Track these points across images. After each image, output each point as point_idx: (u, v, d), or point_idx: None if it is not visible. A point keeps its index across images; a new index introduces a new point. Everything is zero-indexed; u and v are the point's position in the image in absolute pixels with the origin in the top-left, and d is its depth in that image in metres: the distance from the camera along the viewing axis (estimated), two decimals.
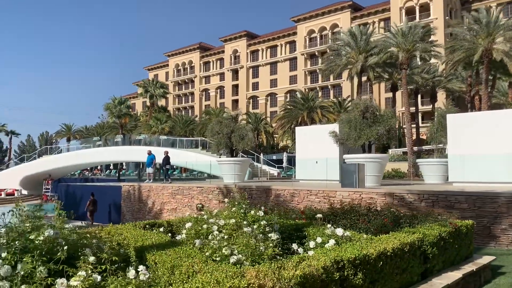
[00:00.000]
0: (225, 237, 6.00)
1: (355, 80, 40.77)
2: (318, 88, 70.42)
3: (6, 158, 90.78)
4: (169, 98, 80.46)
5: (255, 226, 5.62)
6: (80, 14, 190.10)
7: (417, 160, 23.15)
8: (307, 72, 74.14)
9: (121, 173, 49.27)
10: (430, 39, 38.85)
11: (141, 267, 3.84)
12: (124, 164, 54.87)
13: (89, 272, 3.48)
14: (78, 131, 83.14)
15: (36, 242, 3.99)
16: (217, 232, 5.91)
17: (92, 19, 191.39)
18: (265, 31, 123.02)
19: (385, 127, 16.63)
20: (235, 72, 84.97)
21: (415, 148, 36.07)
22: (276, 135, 58.41)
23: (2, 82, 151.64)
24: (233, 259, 4.27)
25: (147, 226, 7.01)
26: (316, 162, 20.86)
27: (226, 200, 7.64)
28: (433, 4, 59.40)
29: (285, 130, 45.79)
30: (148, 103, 52.19)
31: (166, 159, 23.71)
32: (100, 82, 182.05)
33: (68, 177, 48.44)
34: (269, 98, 79.38)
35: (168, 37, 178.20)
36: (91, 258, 3.67)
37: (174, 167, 52.25)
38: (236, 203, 8.02)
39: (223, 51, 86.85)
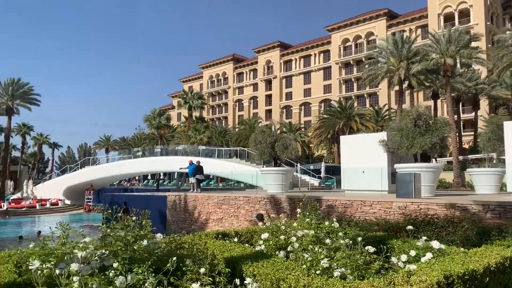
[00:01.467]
0: (303, 249, 5.78)
1: (395, 88, 39.97)
2: (353, 97, 69.49)
3: (48, 169, 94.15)
4: (204, 109, 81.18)
5: (343, 241, 5.36)
6: (115, 28, 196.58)
7: (468, 170, 22.25)
8: (341, 81, 73.41)
9: (159, 183, 50.03)
10: (473, 45, 37.67)
11: (248, 280, 3.68)
12: (161, 174, 55.75)
13: (206, 284, 3.34)
14: (115, 142, 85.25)
15: (138, 252, 3.91)
16: (297, 244, 5.69)
17: (127, 32, 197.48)
18: (298, 41, 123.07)
19: (438, 135, 16.05)
20: (269, 82, 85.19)
21: (460, 158, 34.83)
22: (311, 145, 57.87)
23: (44, 94, 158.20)
24: (337, 273, 4.04)
25: (219, 235, 6.88)
26: (363, 171, 20.40)
27: (297, 211, 7.42)
28: (473, 10, 57.72)
29: (322, 139, 45.24)
30: (186, 114, 52.93)
31: (198, 169, 23.79)
32: (136, 95, 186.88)
33: (108, 187, 49.55)
34: (302, 107, 79.02)
35: (202, 50, 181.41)
36: (202, 270, 3.53)
37: (211, 177, 52.66)
38: (307, 213, 7.79)
39: (256, 62, 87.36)
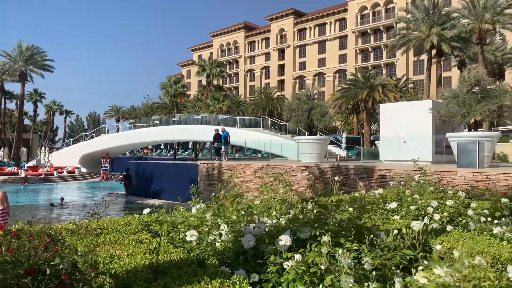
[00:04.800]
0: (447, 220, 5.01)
1: (422, 57, 38.54)
2: (369, 67, 67.75)
3: (57, 137, 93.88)
4: (222, 77, 79.36)
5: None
6: None
7: None
8: (358, 51, 71.52)
9: (176, 152, 49.44)
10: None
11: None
12: (174, 143, 55.11)
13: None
14: (125, 111, 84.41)
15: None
16: (438, 216, 4.88)
17: (134, 1, 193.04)
18: (313, 8, 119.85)
19: (496, 103, 15.08)
20: (281, 52, 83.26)
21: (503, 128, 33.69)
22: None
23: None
24: None
25: None
26: (404, 141, 19.57)
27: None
28: None
29: (342, 110, 44.17)
30: (198, 83, 51.57)
31: (217, 137, 22.95)
32: (143, 64, 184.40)
33: (122, 156, 49.03)
34: (316, 78, 77.37)
35: (212, 17, 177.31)
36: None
37: (215, 146, 51.92)
38: (412, 183, 6.99)
39: (268, 30, 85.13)
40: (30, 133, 61.47)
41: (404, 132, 19.09)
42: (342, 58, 73.63)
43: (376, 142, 26.27)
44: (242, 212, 3.14)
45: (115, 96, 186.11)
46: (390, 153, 19.66)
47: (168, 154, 58.30)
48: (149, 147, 62.29)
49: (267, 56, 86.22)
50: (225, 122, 36.74)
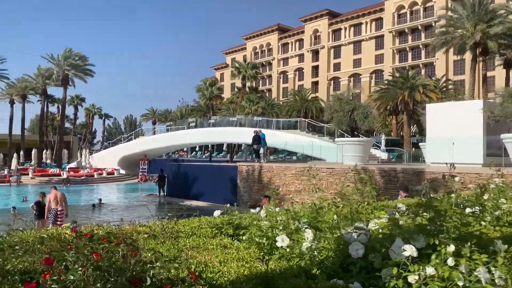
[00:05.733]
0: None
1: (466, 55, 37.07)
2: (407, 67, 65.97)
3: (95, 140, 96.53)
4: (257, 79, 79.33)
5: None
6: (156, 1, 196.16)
7: None
8: (395, 51, 69.89)
9: (211, 154, 49.64)
10: None
11: None
12: (209, 145, 55.39)
13: None
14: (160, 114, 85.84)
15: None
16: None
17: (168, 4, 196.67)
18: (347, 9, 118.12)
19: None
20: (315, 53, 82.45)
21: None
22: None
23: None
24: None
25: None
26: (453, 143, 18.71)
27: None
28: None
29: (381, 111, 43.09)
30: (236, 85, 51.77)
31: (256, 138, 22.65)
32: (177, 67, 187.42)
33: (158, 158, 49.69)
34: (352, 79, 76.13)
35: (245, 20, 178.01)
36: None
37: (255, 147, 51.75)
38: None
39: (302, 32, 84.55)
40: (71, 136, 63.44)
41: (452, 133, 18.27)
42: (379, 59, 72.13)
43: (420, 144, 25.36)
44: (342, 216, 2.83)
45: (150, 100, 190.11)
46: (438, 155, 18.84)
47: (203, 156, 58.71)
48: (184, 149, 62.93)
49: (301, 57, 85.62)
50: (260, 124, 36.51)
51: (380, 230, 3.02)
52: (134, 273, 1.94)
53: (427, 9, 66.83)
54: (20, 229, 3.13)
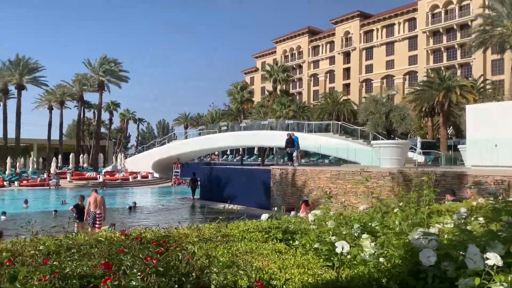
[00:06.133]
0: None
1: (507, 53, 35.68)
2: (442, 68, 64.16)
3: (129, 144, 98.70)
4: (288, 82, 79.09)
5: None
6: (183, 4, 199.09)
7: None
8: (429, 51, 68.10)
9: (242, 158, 49.83)
10: None
11: None
12: (240, 149, 55.58)
13: None
14: (192, 118, 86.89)
15: None
16: None
17: (198, 9, 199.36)
18: (379, 10, 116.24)
19: None
20: (347, 55, 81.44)
21: None
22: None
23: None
24: None
25: None
26: (496, 145, 17.96)
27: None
28: None
29: (416, 113, 41.97)
30: (265, 89, 51.88)
31: (290, 142, 22.34)
32: (207, 72, 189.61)
33: (191, 161, 50.22)
34: (384, 80, 74.70)
35: (275, 24, 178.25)
36: None
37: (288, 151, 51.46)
38: None
39: (333, 34, 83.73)
40: (106, 140, 65.10)
41: (494, 135, 17.53)
42: (412, 60, 70.48)
43: (459, 146, 24.53)
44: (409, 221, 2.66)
45: (181, 104, 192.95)
46: (480, 158, 18.11)
47: (234, 160, 58.98)
48: (216, 152, 63.42)
49: (332, 60, 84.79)
50: (291, 127, 36.29)
51: (446, 236, 2.83)
52: (198, 279, 1.84)
53: (462, 8, 64.84)
54: (74, 232, 3.12)
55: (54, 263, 2.41)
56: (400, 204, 3.10)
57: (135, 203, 25.35)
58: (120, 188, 37.72)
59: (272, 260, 2.57)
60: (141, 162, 45.21)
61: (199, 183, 28.53)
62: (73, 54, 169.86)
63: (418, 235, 2.51)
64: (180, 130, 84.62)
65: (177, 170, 42.72)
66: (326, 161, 44.65)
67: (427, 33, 68.05)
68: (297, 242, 3.21)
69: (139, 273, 2.14)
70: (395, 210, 3.01)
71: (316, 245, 2.92)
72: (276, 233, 3.66)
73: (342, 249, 2.68)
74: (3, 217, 19.06)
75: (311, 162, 45.15)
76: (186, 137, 50.74)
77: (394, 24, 73.57)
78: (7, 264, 2.57)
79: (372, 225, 3.48)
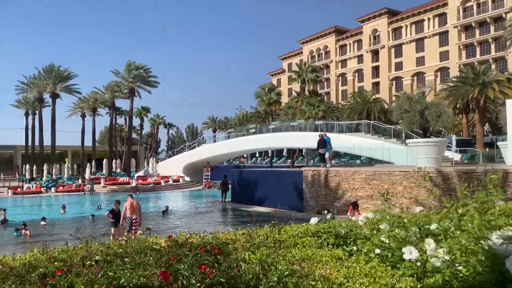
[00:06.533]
0: None
1: None
2: (476, 63, 62.13)
3: (160, 149, 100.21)
4: (318, 83, 78.47)
5: None
6: (210, 6, 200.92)
7: None
8: (461, 46, 66.09)
9: (272, 160, 49.64)
10: None
11: None
12: (269, 151, 55.34)
13: None
14: (220, 122, 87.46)
15: None
16: None
17: (221, 12, 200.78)
18: (407, 6, 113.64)
19: None
20: (375, 53, 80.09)
21: None
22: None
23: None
24: None
25: None
26: None
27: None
28: None
29: (450, 110, 40.70)
30: (297, 89, 51.60)
31: (321, 142, 21.88)
32: (234, 75, 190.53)
33: (220, 164, 50.39)
34: (415, 78, 73.00)
35: (301, 25, 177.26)
36: None
37: (320, 151, 50.78)
38: None
39: (361, 32, 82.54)
40: (138, 146, 66.28)
41: None
42: (444, 55, 68.59)
43: (498, 143, 23.56)
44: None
45: (208, 108, 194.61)
46: None
47: (263, 162, 58.84)
48: (244, 155, 63.48)
49: (360, 58, 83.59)
50: (321, 128, 35.85)
51: None
52: None
53: (496, 0, 62.64)
54: (124, 238, 3.02)
55: (109, 273, 2.31)
56: (472, 204, 2.86)
57: (167, 207, 25.53)
58: (152, 192, 38.21)
59: (334, 268, 2.39)
60: (172, 166, 45.72)
61: (229, 186, 28.53)
62: (102, 60, 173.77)
63: (498, 239, 2.28)
64: (209, 134, 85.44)
65: (207, 174, 42.94)
66: (358, 161, 43.90)
67: (459, 28, 66.08)
68: (354, 248, 3.01)
69: (198, 284, 2.01)
70: (471, 212, 2.77)
71: (377, 251, 2.71)
72: (328, 237, 3.47)
73: (410, 255, 2.47)
74: (42, 223, 19.56)
75: (341, 163, 44.46)
76: (214, 141, 51.08)
77: (423, 20, 71.86)
78: (59, 273, 2.49)
79: (431, 228, 3.26)
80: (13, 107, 58.36)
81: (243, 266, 2.36)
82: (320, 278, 2.23)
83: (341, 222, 4.09)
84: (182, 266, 2.23)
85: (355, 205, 16.33)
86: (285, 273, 2.27)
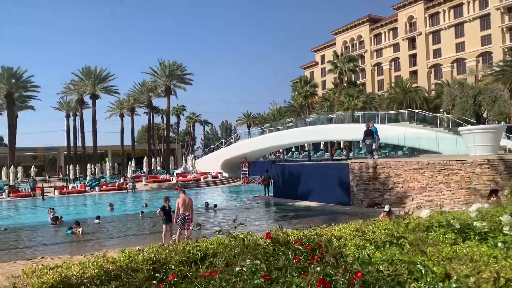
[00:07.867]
0: None
1: None
2: None
3: (196, 146, 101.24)
4: (356, 72, 76.79)
5: None
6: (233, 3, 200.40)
7: None
8: (504, 29, 62.90)
9: (310, 153, 48.96)
10: None
11: None
12: (305, 145, 54.57)
13: None
14: (254, 117, 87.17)
15: None
16: None
17: (248, 6, 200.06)
18: None
19: None
20: (412, 41, 77.51)
21: None
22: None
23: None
24: None
25: None
26: None
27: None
28: None
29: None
30: (332, 81, 50.57)
31: (368, 133, 20.91)
32: (266, 70, 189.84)
33: (256, 160, 50.17)
34: (455, 64, 70.15)
35: (333, 16, 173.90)
36: None
37: (367, 142, 49.40)
38: None
39: (395, 20, 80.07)
40: (175, 143, 67.11)
41: None
42: (485, 40, 65.51)
43: None
44: None
45: (243, 104, 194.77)
46: None
47: (300, 156, 58.20)
48: (280, 150, 63.03)
49: (396, 47, 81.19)
50: (362, 119, 34.88)
51: None
52: None
53: None
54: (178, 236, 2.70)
55: (227, 278, 1.98)
56: None
57: (210, 203, 25.42)
58: (192, 189, 38.44)
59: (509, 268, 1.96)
60: (210, 163, 45.93)
61: (272, 180, 28.25)
62: (138, 58, 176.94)
63: None
64: (243, 129, 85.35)
65: (245, 169, 42.84)
66: (400, 152, 42.58)
67: (501, 10, 62.91)
68: (499, 244, 2.55)
69: None
70: None
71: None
72: (470, 233, 2.99)
73: None
74: (96, 221, 19.92)
75: (381, 155, 43.23)
76: (250, 137, 50.89)
77: (462, 3, 68.86)
78: (170, 280, 2.18)
79: None
80: (55, 109, 60.26)
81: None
82: (494, 281, 1.81)
83: (455, 214, 3.63)
84: (327, 270, 1.87)
85: (496, 193, 15.16)
86: (442, 276, 1.87)
